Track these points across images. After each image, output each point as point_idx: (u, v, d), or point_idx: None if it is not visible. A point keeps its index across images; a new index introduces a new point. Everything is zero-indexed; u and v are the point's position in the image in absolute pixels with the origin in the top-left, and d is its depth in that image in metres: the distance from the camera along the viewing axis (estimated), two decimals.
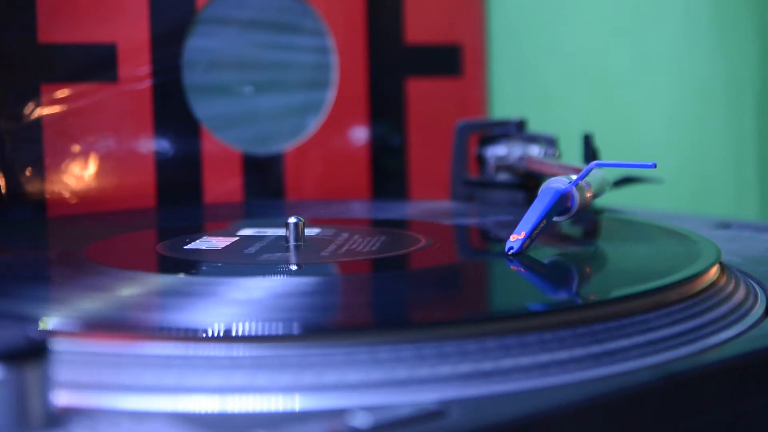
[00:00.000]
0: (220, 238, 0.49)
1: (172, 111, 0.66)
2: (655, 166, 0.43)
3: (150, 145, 0.66)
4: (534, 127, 0.68)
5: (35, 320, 0.33)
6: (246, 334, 0.31)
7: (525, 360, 0.32)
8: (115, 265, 0.44)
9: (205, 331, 0.31)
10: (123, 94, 0.65)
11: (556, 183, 0.45)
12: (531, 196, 0.48)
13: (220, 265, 0.44)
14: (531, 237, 0.43)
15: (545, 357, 0.32)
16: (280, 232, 0.49)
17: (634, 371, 0.32)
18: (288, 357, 0.31)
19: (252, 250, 0.46)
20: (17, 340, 0.27)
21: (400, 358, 0.31)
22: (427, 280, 0.41)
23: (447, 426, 0.28)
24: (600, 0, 0.80)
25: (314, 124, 0.72)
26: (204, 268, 0.43)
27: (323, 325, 0.34)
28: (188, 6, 0.67)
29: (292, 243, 0.47)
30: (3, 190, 0.61)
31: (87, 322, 0.33)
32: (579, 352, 0.33)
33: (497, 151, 0.66)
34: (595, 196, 0.49)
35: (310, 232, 0.50)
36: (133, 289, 0.39)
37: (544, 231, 0.44)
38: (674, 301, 0.37)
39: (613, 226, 0.56)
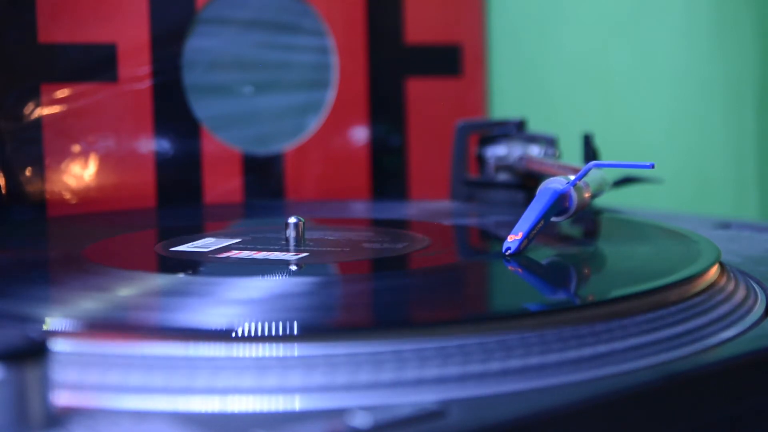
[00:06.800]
0: (220, 238, 0.49)
1: (172, 111, 0.66)
2: (653, 166, 0.43)
3: (150, 145, 0.66)
4: (534, 127, 0.68)
5: (35, 320, 0.33)
6: (246, 334, 0.31)
7: (525, 360, 0.32)
8: (115, 265, 0.44)
9: (206, 332, 0.31)
10: (123, 94, 0.65)
11: (554, 183, 0.45)
12: (531, 196, 0.48)
13: (220, 265, 0.44)
14: (529, 237, 0.43)
15: (545, 357, 0.32)
16: (280, 231, 0.49)
17: (634, 371, 0.32)
18: (288, 357, 0.31)
19: (252, 250, 0.46)
20: (17, 340, 0.27)
21: (399, 358, 0.31)
22: (426, 280, 0.41)
23: (447, 426, 0.28)
24: (600, 0, 0.80)
25: (314, 124, 0.72)
26: (204, 268, 0.43)
27: (323, 326, 0.34)
28: (188, 6, 0.67)
29: (292, 243, 0.47)
30: (3, 190, 0.61)
31: (87, 322, 0.33)
32: (579, 352, 0.33)
33: (497, 151, 0.66)
34: (594, 196, 0.49)
35: (310, 232, 0.50)
36: (133, 289, 0.39)
37: (542, 231, 0.44)
38: (674, 301, 0.37)
39: (613, 226, 0.56)
